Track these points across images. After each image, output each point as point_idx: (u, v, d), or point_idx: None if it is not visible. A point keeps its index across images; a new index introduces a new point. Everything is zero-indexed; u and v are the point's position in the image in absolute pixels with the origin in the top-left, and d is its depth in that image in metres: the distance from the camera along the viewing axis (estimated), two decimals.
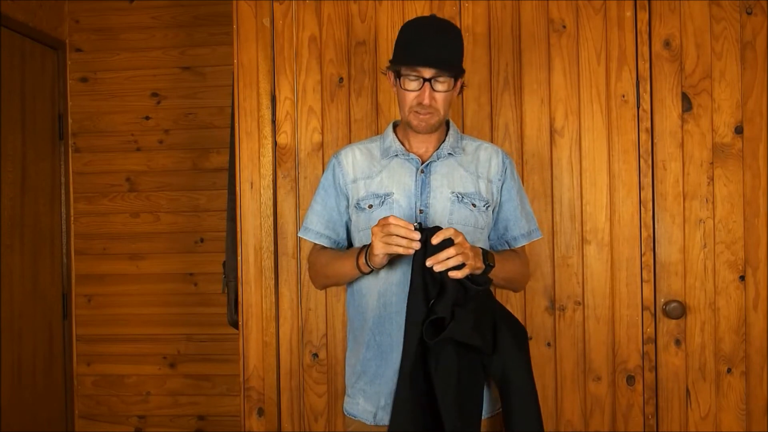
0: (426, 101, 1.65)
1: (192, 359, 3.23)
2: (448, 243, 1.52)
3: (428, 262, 1.51)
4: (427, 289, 1.54)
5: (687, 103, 2.15)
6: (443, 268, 1.51)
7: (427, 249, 1.53)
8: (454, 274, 1.52)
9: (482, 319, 1.58)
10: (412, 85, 1.65)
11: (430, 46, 1.63)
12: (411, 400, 1.54)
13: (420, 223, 1.59)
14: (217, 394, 3.22)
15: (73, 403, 3.27)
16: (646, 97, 2.15)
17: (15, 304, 2.92)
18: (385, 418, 1.71)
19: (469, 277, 1.56)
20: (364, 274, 1.69)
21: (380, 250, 1.56)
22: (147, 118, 3.25)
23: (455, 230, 1.55)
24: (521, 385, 1.62)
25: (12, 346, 2.90)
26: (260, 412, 2.24)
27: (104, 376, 3.27)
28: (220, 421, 3.22)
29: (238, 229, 2.25)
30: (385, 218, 1.57)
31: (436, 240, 1.52)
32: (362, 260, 1.65)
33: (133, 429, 3.26)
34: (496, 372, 1.62)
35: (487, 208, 1.75)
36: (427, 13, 2.17)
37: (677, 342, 2.14)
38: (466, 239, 1.56)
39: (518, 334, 1.67)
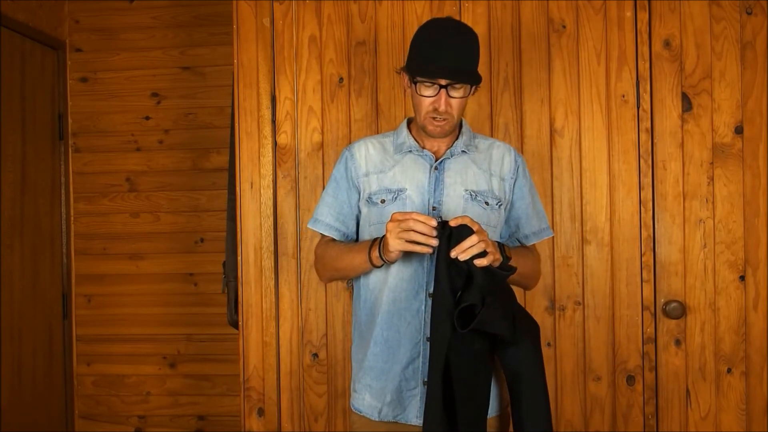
0: (442, 108, 1.65)
1: (192, 359, 3.23)
2: (467, 232, 1.52)
3: (452, 253, 1.51)
4: (453, 281, 1.54)
5: (687, 103, 2.15)
6: (467, 257, 1.51)
7: (450, 242, 1.53)
8: (480, 262, 1.51)
9: (507, 309, 1.58)
10: (428, 91, 1.66)
11: (447, 55, 1.62)
12: (442, 400, 1.54)
13: (440, 217, 1.59)
14: (217, 394, 3.22)
15: (73, 403, 3.27)
16: (646, 97, 2.15)
17: (15, 304, 2.92)
18: (389, 414, 1.72)
19: (493, 265, 1.56)
20: (375, 267, 1.68)
21: (396, 248, 1.55)
22: (147, 118, 3.25)
23: (470, 218, 1.55)
24: (534, 380, 1.62)
25: (12, 346, 2.90)
26: (260, 412, 2.24)
27: (104, 376, 3.27)
28: (220, 421, 3.22)
29: (238, 229, 2.25)
30: (404, 213, 1.55)
31: (454, 222, 1.52)
32: (375, 254, 1.63)
33: (133, 429, 3.26)
34: (509, 364, 1.62)
35: (499, 206, 1.76)
36: (426, 14, 2.18)
37: (677, 342, 2.14)
38: (481, 228, 1.56)
39: (533, 329, 1.67)
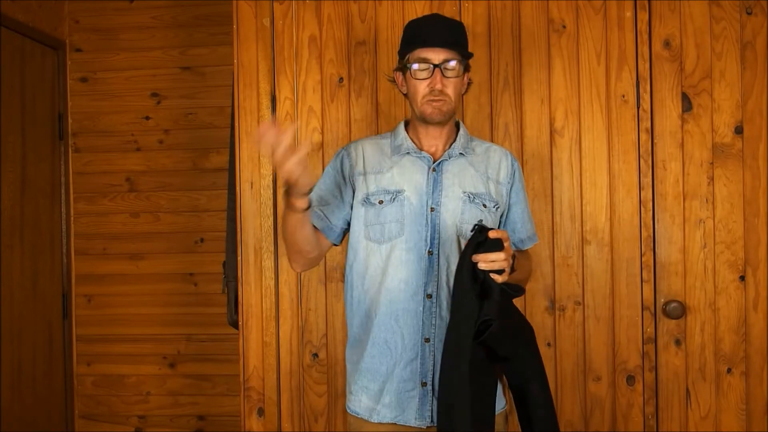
0: (438, 86, 1.67)
1: (192, 359, 3.23)
2: (498, 247, 1.54)
3: (476, 257, 1.53)
4: (475, 287, 1.55)
5: (687, 103, 2.15)
6: (488, 268, 1.53)
7: (479, 246, 1.54)
8: (495, 277, 1.54)
9: (514, 327, 1.60)
10: (423, 74, 1.68)
11: (436, 30, 1.68)
12: (470, 398, 1.54)
13: (481, 220, 1.60)
14: (217, 394, 3.22)
15: (73, 403, 3.27)
16: (646, 97, 2.15)
17: (15, 304, 2.92)
18: (388, 416, 1.72)
19: (507, 284, 1.58)
20: (303, 211, 1.61)
21: (286, 177, 1.50)
22: (147, 118, 3.25)
23: (507, 234, 1.57)
24: (540, 389, 1.63)
25: (12, 346, 2.90)
26: (260, 412, 2.24)
27: (104, 376, 3.27)
28: (220, 421, 3.22)
29: (238, 229, 2.25)
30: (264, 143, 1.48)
31: (494, 234, 1.54)
32: (288, 199, 1.58)
33: (133, 429, 3.26)
34: (513, 375, 1.63)
35: (496, 209, 1.76)
36: (427, 13, 2.18)
37: (677, 342, 2.14)
38: (510, 246, 1.58)
39: (532, 337, 1.68)
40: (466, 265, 1.55)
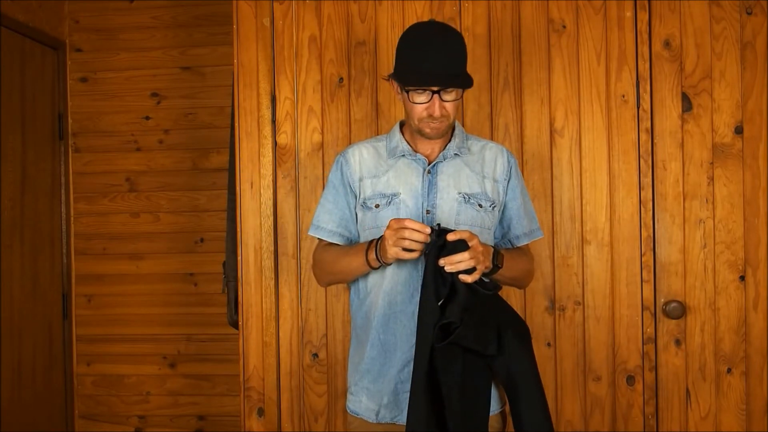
0: (437, 113, 1.64)
1: (192, 359, 3.23)
2: (462, 246, 1.53)
3: (440, 262, 1.53)
4: (438, 289, 1.55)
5: (687, 103, 2.15)
6: (454, 270, 1.53)
7: (443, 249, 1.54)
8: (464, 278, 1.53)
9: (487, 322, 1.59)
10: (421, 98, 1.65)
11: (435, 60, 1.61)
12: (426, 400, 1.54)
13: (439, 224, 1.59)
14: (217, 394, 3.22)
15: (73, 403, 3.27)
16: (646, 97, 2.15)
17: (15, 304, 2.92)
18: (387, 416, 1.72)
19: (479, 282, 1.56)
20: (373, 269, 1.69)
21: (393, 256, 1.58)
22: (147, 118, 3.25)
23: (471, 233, 1.56)
24: (529, 387, 1.62)
25: (12, 346, 2.90)
26: (260, 412, 2.24)
27: (104, 376, 3.27)
28: (220, 421, 3.22)
29: (238, 229, 2.25)
30: (400, 221, 1.56)
31: (452, 237, 1.53)
32: (372, 256, 1.64)
33: (133, 429, 3.26)
34: (501, 373, 1.63)
35: (493, 208, 1.76)
36: (426, 14, 2.18)
37: (677, 342, 2.14)
38: (480, 242, 1.57)
39: (523, 334, 1.67)
40: (429, 269, 1.54)
